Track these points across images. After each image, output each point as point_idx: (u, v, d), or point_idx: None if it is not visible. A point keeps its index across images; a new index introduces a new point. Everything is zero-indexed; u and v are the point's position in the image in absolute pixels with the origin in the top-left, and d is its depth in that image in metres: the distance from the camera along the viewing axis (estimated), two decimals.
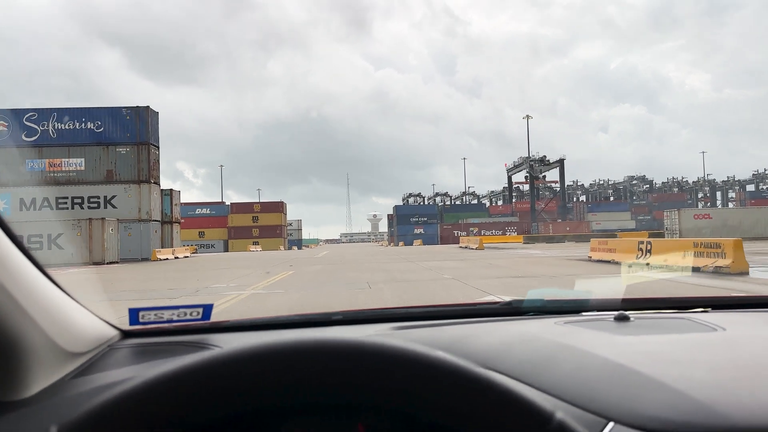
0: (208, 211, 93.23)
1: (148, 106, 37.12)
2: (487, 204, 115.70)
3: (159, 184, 38.69)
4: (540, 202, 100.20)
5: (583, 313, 1.37)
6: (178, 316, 1.25)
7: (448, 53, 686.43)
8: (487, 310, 1.45)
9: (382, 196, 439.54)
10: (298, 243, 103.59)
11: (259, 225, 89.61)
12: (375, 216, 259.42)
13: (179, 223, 43.12)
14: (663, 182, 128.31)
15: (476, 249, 35.91)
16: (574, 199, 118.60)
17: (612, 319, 1.25)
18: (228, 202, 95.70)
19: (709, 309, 1.39)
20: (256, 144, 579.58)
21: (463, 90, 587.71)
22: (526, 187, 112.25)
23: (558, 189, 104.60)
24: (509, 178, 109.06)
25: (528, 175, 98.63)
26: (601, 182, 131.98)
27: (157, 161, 38.58)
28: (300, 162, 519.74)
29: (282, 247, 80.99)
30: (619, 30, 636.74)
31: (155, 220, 37.76)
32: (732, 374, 0.83)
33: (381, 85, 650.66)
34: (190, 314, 1.26)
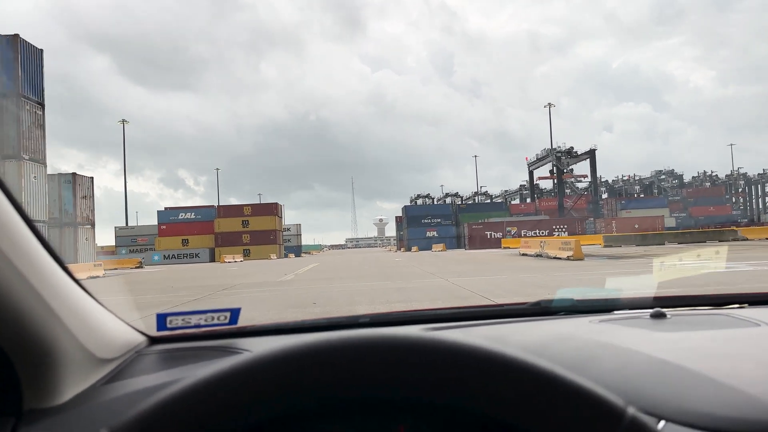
0: (192, 216, 78.59)
1: (17, 35, 21.94)
2: (500, 202, 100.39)
3: (44, 163, 23.41)
4: (568, 199, 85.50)
5: (616, 312, 1.29)
6: (205, 320, 1.22)
7: (446, 52, 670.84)
8: (517, 311, 1.38)
9: (386, 200, 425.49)
10: (297, 250, 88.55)
11: (250, 230, 74.85)
12: (381, 220, 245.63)
13: (92, 225, 27.88)
14: (693, 177, 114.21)
15: (569, 259, 20.00)
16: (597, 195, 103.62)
17: (648, 317, 1.18)
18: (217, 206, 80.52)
19: (746, 305, 1.32)
20: (256, 150, 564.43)
21: (463, 90, 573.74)
22: (545, 184, 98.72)
23: (581, 185, 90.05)
24: (530, 173, 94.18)
25: (555, 167, 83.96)
26: (625, 178, 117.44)
27: (41, 127, 23.32)
28: (302, 167, 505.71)
29: (274, 256, 65.85)
30: (621, 24, 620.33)
31: (36, 221, 22.47)
32: None
33: (379, 88, 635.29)
34: (218, 318, 1.23)
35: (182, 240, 76.00)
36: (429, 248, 76.09)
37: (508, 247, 41.43)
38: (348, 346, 0.61)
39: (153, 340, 1.22)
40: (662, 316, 1.16)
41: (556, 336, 1.00)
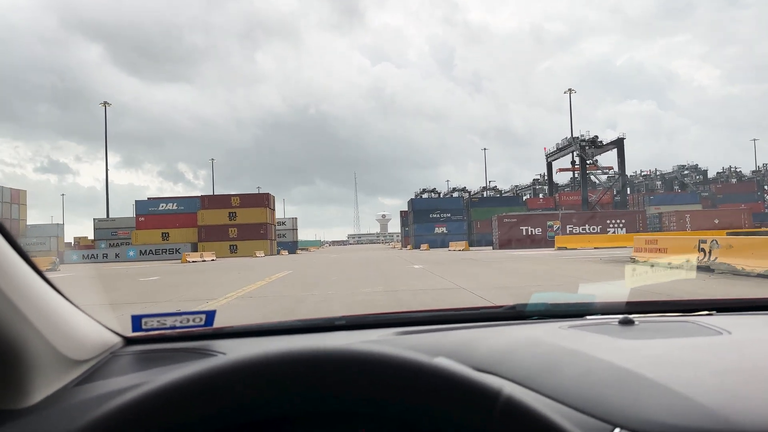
0: (174, 207, 67.81)
1: None
2: (515, 197, 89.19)
3: None
4: (591, 193, 74.53)
5: (588, 317, 1.30)
6: (181, 322, 1.20)
7: (447, 45, 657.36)
8: (491, 315, 1.37)
9: (388, 196, 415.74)
10: (292, 246, 77.74)
11: (237, 223, 64.21)
12: (384, 216, 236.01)
13: None
14: (718, 172, 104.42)
15: None
16: (615, 190, 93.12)
17: (616, 323, 1.18)
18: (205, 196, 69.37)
19: (714, 312, 1.31)
20: (256, 143, 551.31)
21: (464, 84, 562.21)
22: (559, 178, 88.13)
23: (602, 177, 79.10)
24: (549, 164, 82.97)
25: (579, 157, 72.90)
26: (644, 173, 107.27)
27: None
28: (302, 162, 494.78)
29: (261, 253, 55.02)
30: (626, 17, 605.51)
31: None
32: (738, 378, 0.78)
33: (378, 81, 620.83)
34: (193, 320, 1.21)
35: (162, 234, 65.43)
36: (440, 246, 65.00)
37: (564, 248, 30.20)
38: (309, 359, 0.60)
39: (128, 341, 1.18)
40: (630, 322, 1.15)
41: (525, 341, 0.99)
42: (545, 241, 36.30)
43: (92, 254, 63.06)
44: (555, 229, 36.33)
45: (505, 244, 35.97)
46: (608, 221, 36.73)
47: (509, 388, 0.57)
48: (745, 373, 0.80)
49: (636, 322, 1.16)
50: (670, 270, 1.54)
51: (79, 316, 1.01)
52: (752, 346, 0.98)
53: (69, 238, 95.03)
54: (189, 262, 35.72)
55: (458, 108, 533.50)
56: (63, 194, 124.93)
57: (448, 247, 52.26)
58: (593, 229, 36.27)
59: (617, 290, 1.51)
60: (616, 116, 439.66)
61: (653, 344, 0.98)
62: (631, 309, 1.32)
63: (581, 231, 35.71)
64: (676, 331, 1.10)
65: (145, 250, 61.89)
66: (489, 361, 0.85)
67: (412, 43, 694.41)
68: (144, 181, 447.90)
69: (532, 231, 36.26)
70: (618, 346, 0.96)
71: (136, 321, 1.17)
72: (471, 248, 40.24)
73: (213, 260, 40.24)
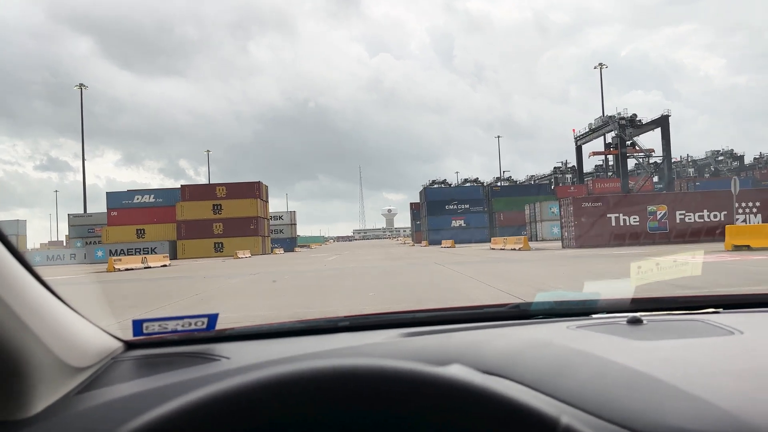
0: (152, 199, 56.45)
1: None
2: (543, 184, 77.24)
3: None
4: (632, 180, 63.04)
5: (593, 316, 1.26)
6: (182, 326, 1.18)
7: (447, 34, 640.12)
8: (496, 314, 1.33)
9: (392, 191, 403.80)
10: (290, 243, 66.29)
11: (223, 217, 52.82)
12: (390, 211, 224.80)
13: None
14: (755, 158, 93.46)
15: None
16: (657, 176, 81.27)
17: (624, 322, 1.14)
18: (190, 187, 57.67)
19: (721, 309, 1.27)
20: (256, 138, 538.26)
21: (466, 74, 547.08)
22: (587, 165, 76.76)
23: (636, 160, 67.56)
24: (578, 148, 71.24)
25: (618, 137, 61.27)
26: (674, 160, 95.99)
27: None
28: (304, 157, 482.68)
29: (246, 253, 43.32)
30: (631, 6, 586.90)
31: None
32: (756, 381, 0.74)
33: (378, 73, 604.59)
34: (195, 324, 1.19)
35: (137, 230, 54.25)
36: (462, 241, 53.62)
37: (746, 247, 16.90)
38: (319, 379, 0.57)
39: (129, 346, 1.15)
40: (638, 321, 1.12)
41: (533, 342, 0.96)
42: (646, 235, 24.31)
43: (58, 255, 52.23)
44: (659, 216, 24.52)
45: (586, 240, 24.08)
46: (737, 204, 24.96)
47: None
48: (761, 375, 0.76)
49: (644, 321, 1.11)
50: (675, 267, 1.57)
51: (80, 322, 0.97)
52: (766, 347, 0.94)
53: (61, 236, 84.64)
54: (118, 270, 23.75)
55: (461, 100, 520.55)
56: (56, 191, 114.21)
57: (476, 242, 40.29)
58: (714, 216, 24.55)
59: (623, 287, 1.44)
60: (622, 107, 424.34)
61: (664, 345, 0.94)
62: (637, 307, 1.28)
63: (697, 218, 24.00)
64: (686, 330, 1.06)
65: (116, 250, 50.71)
66: (498, 363, 0.80)
67: (411, 33, 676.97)
68: (146, 178, 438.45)
69: (625, 220, 24.38)
70: (629, 347, 0.92)
71: (137, 325, 1.14)
72: (481, 242, 28.36)
73: (165, 266, 28.38)
